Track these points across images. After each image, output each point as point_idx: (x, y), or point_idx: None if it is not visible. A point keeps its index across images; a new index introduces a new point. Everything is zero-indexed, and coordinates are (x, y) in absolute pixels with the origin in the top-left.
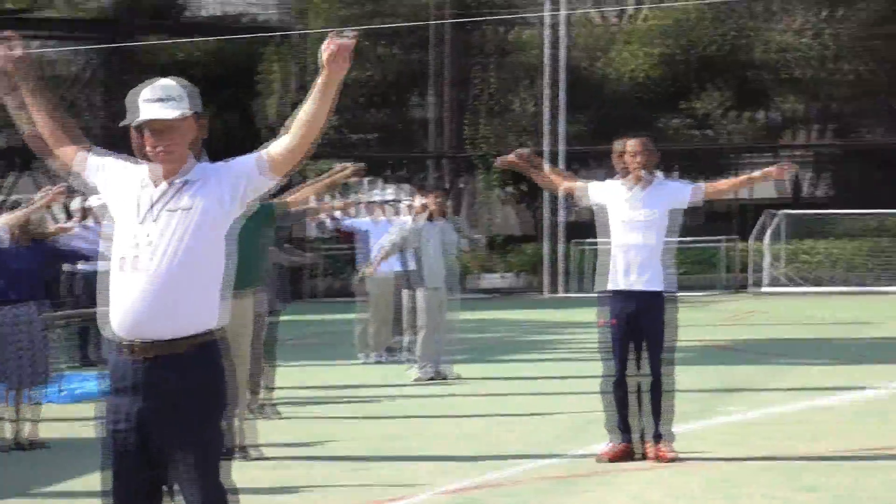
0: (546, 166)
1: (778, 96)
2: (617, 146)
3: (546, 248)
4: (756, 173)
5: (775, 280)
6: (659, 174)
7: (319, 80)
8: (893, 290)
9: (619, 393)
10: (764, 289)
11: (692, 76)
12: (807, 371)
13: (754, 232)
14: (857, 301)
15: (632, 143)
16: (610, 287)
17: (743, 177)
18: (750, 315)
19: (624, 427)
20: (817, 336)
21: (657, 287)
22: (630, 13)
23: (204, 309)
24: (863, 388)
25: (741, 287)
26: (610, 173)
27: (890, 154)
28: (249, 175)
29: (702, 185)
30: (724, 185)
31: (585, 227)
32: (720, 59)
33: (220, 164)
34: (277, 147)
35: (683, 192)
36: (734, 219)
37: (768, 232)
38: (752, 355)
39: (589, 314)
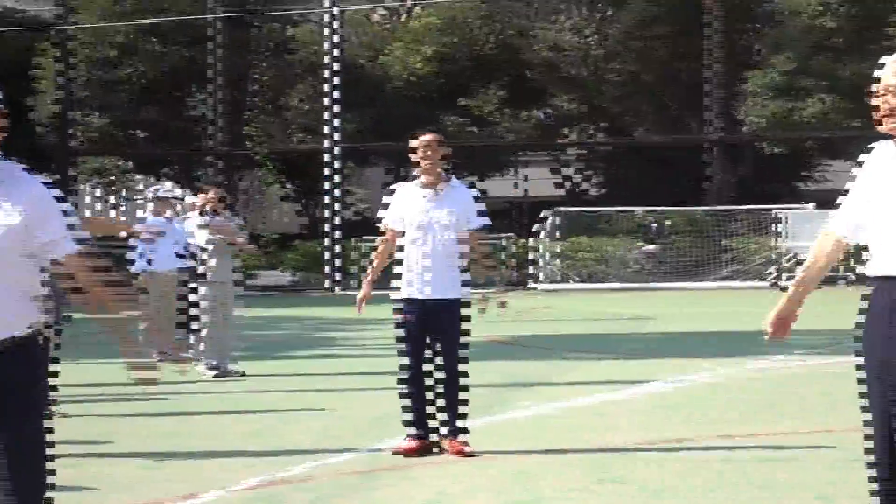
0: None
1: (553, 95)
2: (412, 141)
3: (325, 245)
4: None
5: (554, 277)
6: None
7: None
8: (666, 286)
9: (414, 388)
10: (542, 286)
11: (469, 74)
12: (595, 365)
13: (533, 230)
14: (633, 297)
15: (424, 138)
16: (405, 288)
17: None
18: (533, 311)
19: (420, 423)
20: (600, 331)
21: (453, 288)
22: (406, 10)
23: (22, 310)
24: (652, 381)
25: (521, 284)
26: (387, 172)
27: (661, 152)
28: (46, 237)
29: (478, 227)
30: (479, 255)
31: (364, 224)
32: (496, 57)
33: (28, 178)
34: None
35: (472, 217)
36: (513, 216)
37: (544, 229)
38: (538, 350)
39: (371, 311)
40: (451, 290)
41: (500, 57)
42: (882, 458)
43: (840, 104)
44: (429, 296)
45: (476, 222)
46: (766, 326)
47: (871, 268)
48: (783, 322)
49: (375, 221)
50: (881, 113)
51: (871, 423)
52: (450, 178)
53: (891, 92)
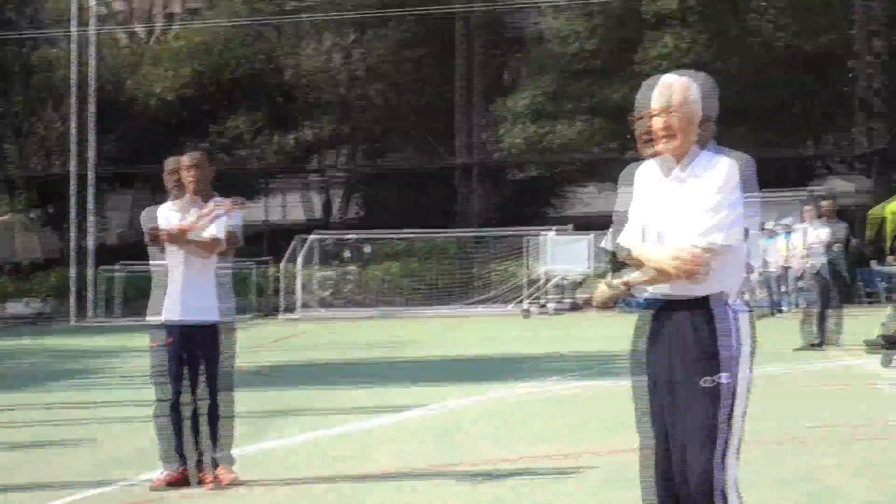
0: None
1: (309, 118)
2: (169, 163)
3: (73, 273)
4: None
5: (308, 303)
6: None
7: None
8: (425, 312)
9: (173, 418)
10: (296, 313)
11: (223, 97)
12: (353, 392)
13: (286, 255)
14: (392, 322)
15: (187, 158)
16: (165, 311)
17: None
18: (288, 339)
19: (180, 453)
20: (357, 358)
21: (213, 314)
22: (159, 33)
23: None
24: (411, 407)
25: (274, 311)
26: (138, 196)
27: (416, 176)
28: None
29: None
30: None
31: (115, 251)
32: (251, 80)
33: None
34: None
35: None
36: (265, 242)
37: (299, 255)
38: (295, 378)
39: (122, 340)
40: (212, 312)
41: (252, 81)
42: (660, 481)
43: (593, 128)
44: (190, 318)
45: (211, 230)
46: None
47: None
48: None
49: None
50: (643, 137)
51: (647, 445)
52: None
53: (667, 111)
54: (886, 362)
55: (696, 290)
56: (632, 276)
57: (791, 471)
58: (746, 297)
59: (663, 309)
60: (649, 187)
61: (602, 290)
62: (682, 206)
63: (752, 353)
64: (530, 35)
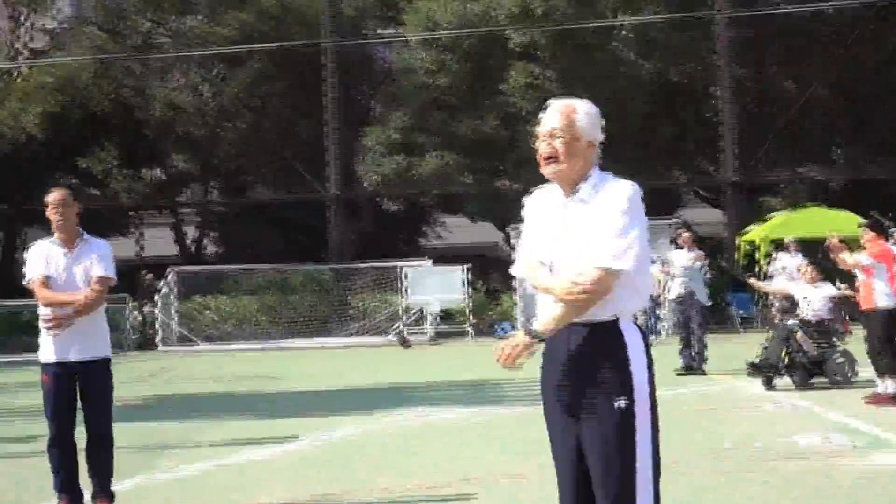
0: None
1: (171, 154)
2: (50, 196)
3: None
4: None
5: (175, 338)
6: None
7: None
8: (287, 345)
9: (62, 452)
10: (164, 347)
11: (86, 133)
12: (232, 425)
13: (155, 291)
14: (255, 356)
15: (54, 195)
16: (51, 348)
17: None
18: (165, 372)
19: (70, 486)
20: (231, 391)
21: (100, 352)
22: (14, 70)
23: None
24: (293, 439)
25: (147, 345)
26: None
27: (282, 210)
28: None
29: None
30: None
31: None
32: (113, 115)
33: None
34: None
35: (95, 265)
36: (134, 277)
37: (165, 290)
38: (171, 412)
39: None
40: (97, 349)
41: (115, 116)
42: None
43: (455, 160)
44: (75, 356)
45: (98, 269)
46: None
47: (546, 314)
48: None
49: (25, 283)
50: (542, 156)
51: (559, 469)
52: (78, 232)
53: (552, 136)
54: (766, 384)
55: (595, 315)
56: (541, 323)
57: (687, 493)
58: (640, 321)
59: (565, 333)
60: (544, 213)
61: (517, 345)
62: (580, 231)
63: (652, 377)
64: (396, 67)
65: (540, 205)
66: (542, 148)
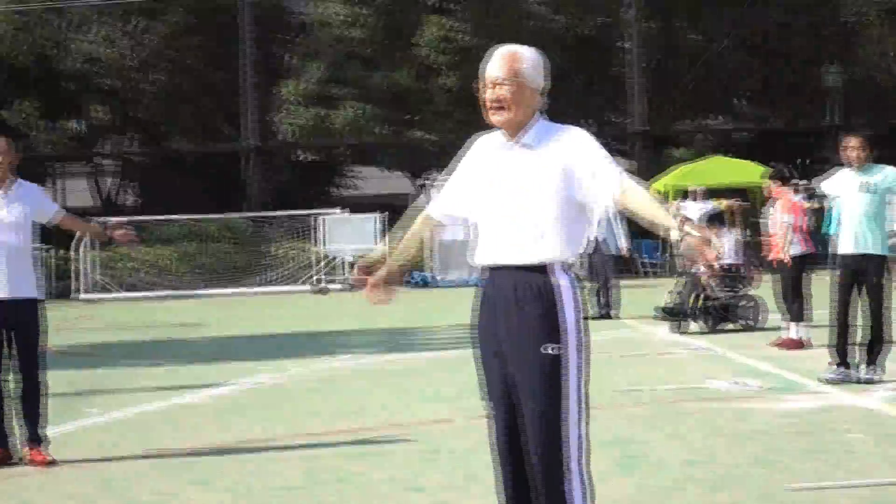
0: None
1: (89, 105)
2: None
3: None
4: None
5: (94, 286)
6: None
7: None
8: (205, 293)
9: None
10: (84, 296)
11: (5, 85)
12: (156, 371)
13: (73, 241)
14: (175, 304)
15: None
16: None
17: None
18: (80, 320)
19: (0, 433)
20: (153, 338)
21: (30, 292)
22: None
23: None
24: (218, 384)
25: (63, 294)
26: None
27: (199, 161)
28: None
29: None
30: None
31: None
32: (32, 68)
33: None
34: None
35: (46, 205)
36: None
37: (84, 240)
38: (93, 359)
39: None
40: (26, 289)
41: (34, 68)
42: (504, 452)
43: (370, 112)
44: (4, 295)
45: (52, 206)
46: (367, 293)
47: (479, 257)
48: (385, 285)
49: None
50: (488, 104)
51: (490, 416)
52: (15, 177)
53: (497, 84)
54: (676, 329)
55: (529, 259)
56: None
57: (605, 435)
58: (575, 268)
59: (498, 278)
60: (484, 157)
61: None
62: (520, 174)
63: (582, 322)
64: (311, 20)
65: (482, 148)
66: (487, 96)
